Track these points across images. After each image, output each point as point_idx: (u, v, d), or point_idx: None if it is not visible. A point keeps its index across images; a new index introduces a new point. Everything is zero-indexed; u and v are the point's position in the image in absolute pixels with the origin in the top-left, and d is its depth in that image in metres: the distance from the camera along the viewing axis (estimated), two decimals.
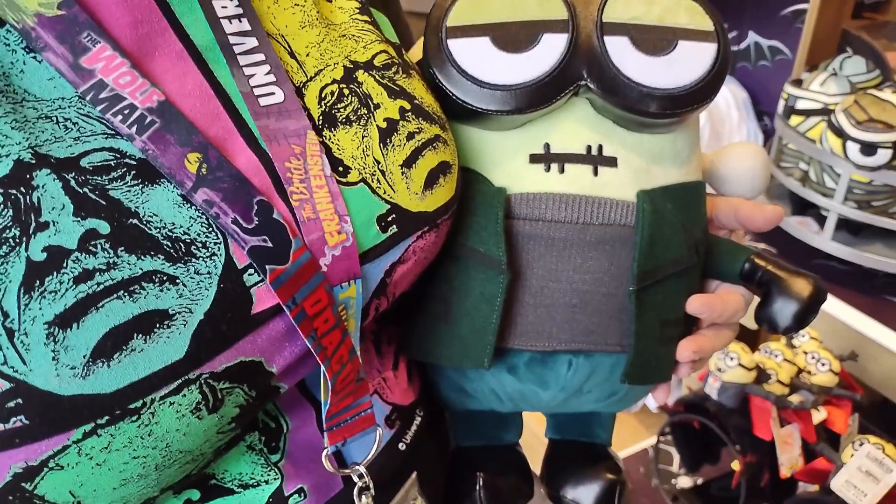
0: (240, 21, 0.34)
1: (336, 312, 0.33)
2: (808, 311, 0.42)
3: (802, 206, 1.28)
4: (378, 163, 0.36)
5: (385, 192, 0.36)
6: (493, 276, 0.40)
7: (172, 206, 0.30)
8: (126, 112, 0.30)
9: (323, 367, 0.34)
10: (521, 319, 0.41)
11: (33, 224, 0.27)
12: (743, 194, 0.48)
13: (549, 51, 0.40)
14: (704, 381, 1.03)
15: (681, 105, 0.40)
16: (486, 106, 0.40)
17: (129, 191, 0.30)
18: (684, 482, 1.22)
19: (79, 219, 0.28)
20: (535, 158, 0.41)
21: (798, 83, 1.30)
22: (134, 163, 0.30)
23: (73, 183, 0.29)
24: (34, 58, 0.30)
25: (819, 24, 1.40)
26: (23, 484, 0.28)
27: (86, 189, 0.29)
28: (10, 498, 0.28)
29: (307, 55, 0.37)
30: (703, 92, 0.41)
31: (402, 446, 0.44)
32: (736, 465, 1.02)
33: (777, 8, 1.46)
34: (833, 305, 1.19)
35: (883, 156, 1.07)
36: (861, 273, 1.21)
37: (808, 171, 1.24)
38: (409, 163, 0.37)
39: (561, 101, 0.41)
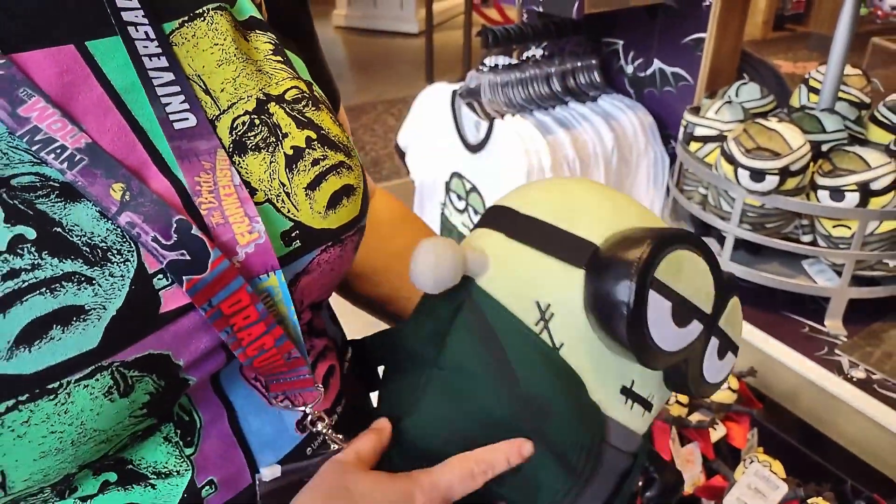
0: (159, 59, 0.40)
1: (259, 310, 0.38)
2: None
3: (705, 228, 1.34)
4: (283, 185, 0.41)
5: (289, 212, 0.41)
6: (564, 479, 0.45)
7: (92, 220, 0.35)
8: (58, 151, 0.35)
9: (237, 353, 0.39)
10: None
11: None
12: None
13: (693, 331, 0.45)
14: None
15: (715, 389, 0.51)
16: (641, 355, 0.44)
17: (53, 205, 0.34)
18: None
19: (8, 225, 0.33)
20: (623, 391, 0.47)
21: (696, 111, 1.35)
22: (57, 185, 0.35)
23: (4, 196, 0.33)
24: None
25: (717, 51, 1.47)
26: None
27: (15, 202, 0.33)
28: None
29: (222, 91, 0.42)
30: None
31: (309, 451, 0.47)
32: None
33: (679, 36, 1.52)
34: None
35: (770, 182, 1.13)
36: (760, 291, 1.26)
37: (707, 195, 1.30)
38: (313, 186, 0.42)
39: None
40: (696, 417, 1.06)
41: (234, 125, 0.41)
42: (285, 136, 0.43)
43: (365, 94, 4.44)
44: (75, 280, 0.33)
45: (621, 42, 1.65)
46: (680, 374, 0.47)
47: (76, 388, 0.33)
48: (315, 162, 0.43)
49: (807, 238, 1.23)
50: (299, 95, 0.45)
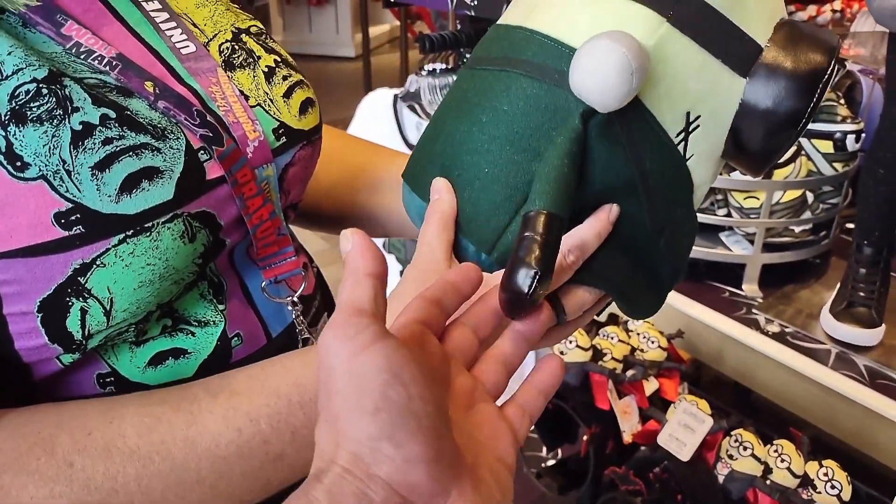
0: (155, 3, 0.50)
1: (258, 185, 0.48)
2: None
3: None
4: (267, 94, 0.52)
5: (274, 114, 0.51)
6: None
7: (146, 108, 0.44)
8: (99, 58, 0.44)
9: (246, 218, 0.48)
10: None
11: (70, 108, 0.41)
12: None
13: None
14: None
15: None
16: (766, 165, 0.47)
17: (117, 98, 0.43)
18: (550, 462, 1.34)
19: (96, 106, 0.42)
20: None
21: None
22: (113, 85, 0.44)
23: (85, 88, 0.42)
24: (29, 30, 0.43)
25: None
26: (79, 278, 0.40)
27: (94, 92, 0.42)
28: (69, 290, 0.41)
29: (204, 25, 0.53)
30: None
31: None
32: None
33: None
34: None
35: None
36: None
37: None
38: (286, 95, 0.53)
39: None
40: (630, 373, 1.17)
41: (221, 49, 0.52)
42: (259, 58, 0.53)
43: None
44: (149, 149, 0.43)
45: None
46: None
47: (163, 229, 0.42)
48: (285, 78, 0.54)
49: (722, 211, 1.36)
50: (259, 31, 0.56)
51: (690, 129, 0.43)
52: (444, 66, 1.66)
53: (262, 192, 0.49)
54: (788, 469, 1.00)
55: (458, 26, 1.81)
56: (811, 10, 3.11)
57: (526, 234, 0.39)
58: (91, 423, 0.42)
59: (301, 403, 0.44)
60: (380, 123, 1.72)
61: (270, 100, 0.52)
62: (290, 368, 0.45)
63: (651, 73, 0.41)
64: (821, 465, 1.01)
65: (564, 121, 0.43)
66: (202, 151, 0.45)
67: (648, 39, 0.41)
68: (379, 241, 1.76)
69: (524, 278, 0.38)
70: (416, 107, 1.63)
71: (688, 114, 0.43)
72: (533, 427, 1.21)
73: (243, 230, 0.49)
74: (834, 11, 3.11)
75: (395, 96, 1.67)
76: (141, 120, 0.43)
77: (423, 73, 1.64)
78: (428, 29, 4.67)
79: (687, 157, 0.44)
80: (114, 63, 0.44)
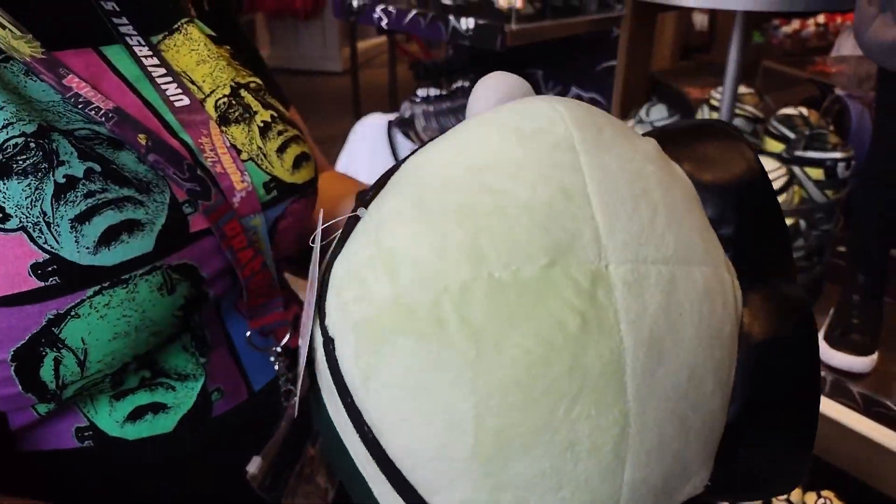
0: (152, 59, 0.52)
1: (248, 237, 0.49)
2: None
3: None
4: (260, 148, 0.53)
5: (267, 168, 0.53)
6: None
7: (134, 162, 0.45)
8: (96, 110, 0.45)
9: (238, 271, 0.49)
10: None
11: (55, 161, 0.42)
12: None
13: None
14: None
15: None
16: None
17: (105, 150, 0.44)
18: None
19: (82, 160, 0.43)
20: None
21: None
22: (105, 137, 0.45)
23: (74, 141, 0.43)
24: (31, 79, 0.45)
25: (627, 77, 1.62)
26: (53, 328, 0.41)
27: (82, 146, 0.43)
28: (43, 340, 0.41)
29: (203, 81, 0.54)
30: None
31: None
32: None
33: (592, 65, 1.67)
34: None
35: None
36: None
37: None
38: (281, 150, 0.54)
39: None
40: None
41: (217, 104, 0.53)
42: (255, 113, 0.55)
43: None
44: (132, 202, 0.44)
45: (541, 72, 1.79)
46: None
47: (140, 281, 0.43)
48: (280, 133, 0.55)
49: None
50: (259, 87, 0.57)
51: None
52: (438, 91, 1.67)
53: (253, 244, 0.50)
54: (787, 500, 1.01)
55: (450, 51, 1.83)
56: (795, 24, 3.16)
57: None
58: None
59: None
60: (373, 148, 1.72)
61: (263, 154, 0.53)
62: None
63: None
64: (819, 496, 1.02)
65: None
66: (187, 205, 0.46)
67: None
68: None
69: None
70: (411, 133, 1.63)
71: None
72: None
73: (229, 281, 0.50)
74: (818, 25, 3.16)
75: (389, 122, 1.68)
76: (126, 174, 0.44)
77: (417, 99, 1.65)
78: (418, 49, 4.68)
79: None
80: (109, 115, 0.45)
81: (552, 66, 1.76)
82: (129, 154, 0.46)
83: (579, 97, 1.72)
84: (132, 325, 0.43)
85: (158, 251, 0.44)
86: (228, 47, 0.60)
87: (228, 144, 0.51)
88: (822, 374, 1.20)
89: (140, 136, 0.46)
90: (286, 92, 0.72)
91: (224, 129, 0.52)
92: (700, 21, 2.90)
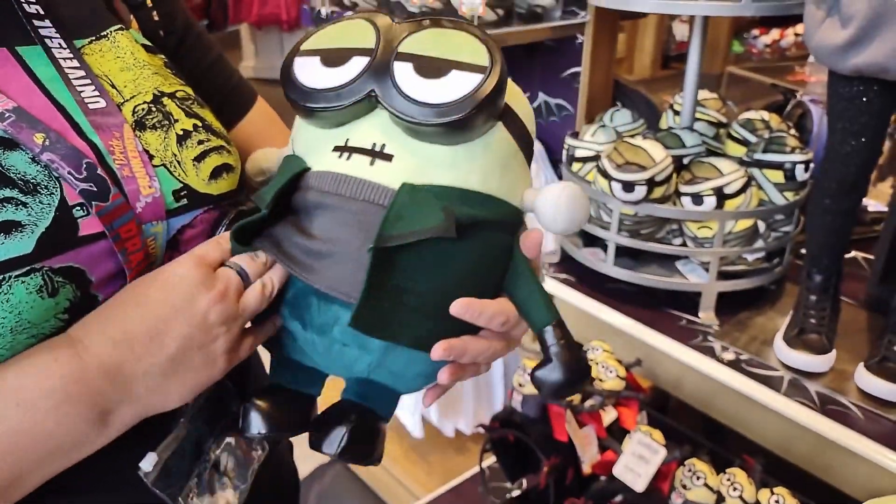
0: (72, 61, 0.52)
1: (143, 240, 0.49)
2: (569, 385, 0.53)
3: (592, 239, 1.48)
4: (175, 155, 0.53)
5: (179, 175, 0.53)
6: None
7: (25, 163, 0.46)
8: None
9: (127, 273, 0.49)
10: (295, 252, 0.51)
11: None
12: (549, 227, 0.54)
13: (354, 67, 0.52)
14: (511, 397, 1.18)
15: (441, 116, 0.50)
16: (305, 103, 0.52)
17: None
18: (515, 493, 1.35)
19: None
20: (336, 149, 0.52)
21: (575, 135, 1.51)
22: None
23: None
24: None
25: (592, 83, 1.63)
26: None
27: None
28: None
29: (124, 87, 0.55)
30: (459, 109, 0.50)
31: None
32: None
33: (558, 71, 1.69)
34: (620, 321, 1.38)
35: (640, 192, 1.28)
36: (644, 291, 1.41)
37: (590, 209, 1.45)
38: (198, 159, 0.55)
39: (357, 105, 0.52)
40: (588, 403, 1.18)
41: (135, 110, 0.53)
42: (176, 121, 0.55)
43: None
44: (13, 203, 0.45)
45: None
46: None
47: (16, 283, 0.43)
48: (200, 142, 0.55)
49: (677, 241, 1.39)
50: (187, 96, 0.58)
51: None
52: None
53: (146, 248, 0.50)
54: (741, 497, 1.02)
55: None
56: (775, 33, 3.19)
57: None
58: None
59: None
60: None
61: (178, 161, 0.53)
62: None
63: None
64: (772, 493, 1.03)
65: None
66: (78, 208, 0.47)
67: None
68: None
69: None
70: None
71: None
72: (496, 459, 1.19)
73: (123, 284, 0.50)
74: (797, 35, 3.19)
75: None
76: (12, 175, 0.46)
77: None
78: None
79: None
80: (6, 115, 0.46)
81: (518, 72, 1.77)
82: (22, 154, 0.46)
83: (547, 104, 1.73)
84: (6, 327, 0.44)
85: (39, 253, 0.44)
86: (163, 56, 0.60)
87: (141, 149, 0.51)
88: (780, 373, 1.22)
89: (37, 135, 0.47)
90: (271, 103, 0.72)
91: (139, 133, 0.52)
92: (680, 32, 2.92)
